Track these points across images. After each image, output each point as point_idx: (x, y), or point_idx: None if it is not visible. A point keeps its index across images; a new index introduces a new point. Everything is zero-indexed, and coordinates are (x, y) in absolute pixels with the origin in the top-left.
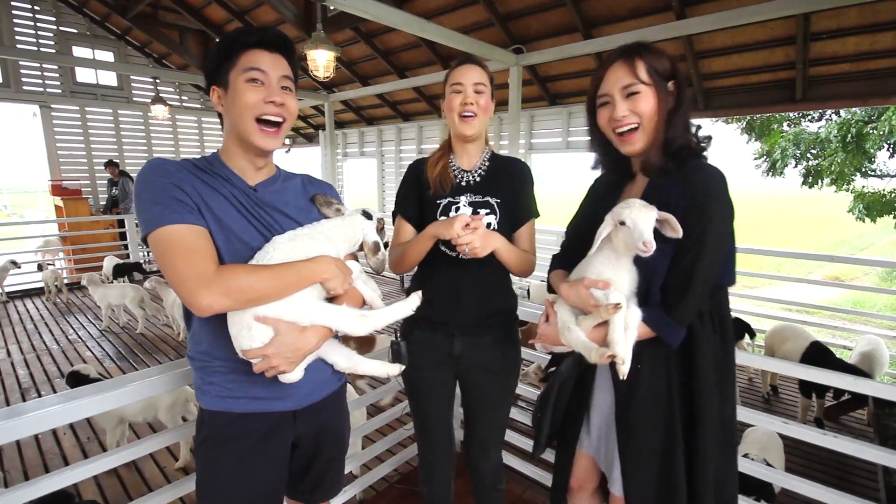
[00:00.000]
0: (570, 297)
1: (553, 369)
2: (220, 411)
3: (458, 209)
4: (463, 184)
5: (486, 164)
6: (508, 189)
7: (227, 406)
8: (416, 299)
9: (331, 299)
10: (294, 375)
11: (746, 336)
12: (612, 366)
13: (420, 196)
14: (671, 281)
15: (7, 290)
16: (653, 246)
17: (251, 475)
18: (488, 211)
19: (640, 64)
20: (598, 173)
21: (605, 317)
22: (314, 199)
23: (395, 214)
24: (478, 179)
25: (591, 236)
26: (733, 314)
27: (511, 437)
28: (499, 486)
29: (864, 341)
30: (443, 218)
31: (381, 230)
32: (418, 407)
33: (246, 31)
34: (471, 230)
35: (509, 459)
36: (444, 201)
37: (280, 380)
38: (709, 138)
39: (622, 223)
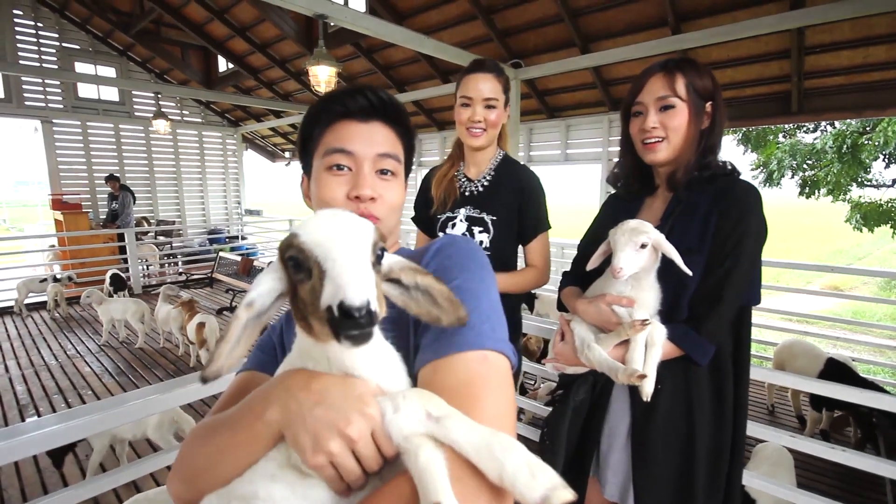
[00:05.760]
0: (588, 314)
1: (560, 392)
2: None
3: (453, 225)
4: (466, 194)
5: (493, 173)
6: (510, 204)
7: None
8: None
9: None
10: None
11: None
12: (632, 387)
13: (428, 208)
14: (701, 294)
15: (4, 304)
16: (622, 273)
17: None
18: (481, 229)
19: (680, 79)
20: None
21: (630, 335)
22: None
23: (413, 220)
24: (480, 190)
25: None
26: None
27: None
28: None
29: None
30: (441, 234)
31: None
32: None
33: (331, 98)
34: None
35: None
36: (443, 217)
37: None
38: (734, 165)
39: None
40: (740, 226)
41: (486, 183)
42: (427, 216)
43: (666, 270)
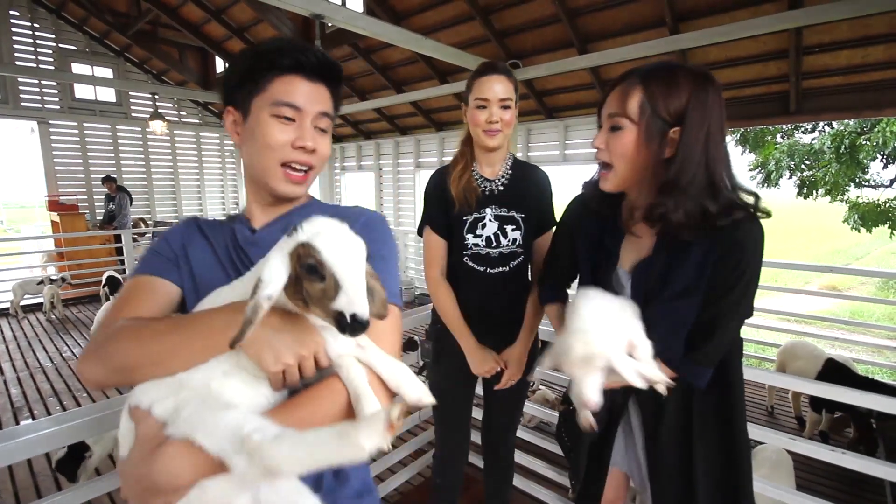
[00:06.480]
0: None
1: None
2: None
3: (483, 225)
4: (487, 193)
5: (509, 172)
6: (532, 202)
7: None
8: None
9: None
10: None
11: None
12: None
13: (447, 210)
14: (696, 329)
15: (0, 306)
16: (595, 406)
17: None
18: (514, 227)
19: (636, 95)
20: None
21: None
22: None
23: (422, 226)
24: (501, 189)
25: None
26: None
27: (518, 457)
28: (510, 463)
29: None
30: (469, 236)
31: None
32: (442, 417)
33: (280, 50)
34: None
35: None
36: (471, 217)
37: None
38: (756, 196)
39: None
40: (738, 268)
41: (505, 181)
42: (445, 220)
43: (664, 310)
